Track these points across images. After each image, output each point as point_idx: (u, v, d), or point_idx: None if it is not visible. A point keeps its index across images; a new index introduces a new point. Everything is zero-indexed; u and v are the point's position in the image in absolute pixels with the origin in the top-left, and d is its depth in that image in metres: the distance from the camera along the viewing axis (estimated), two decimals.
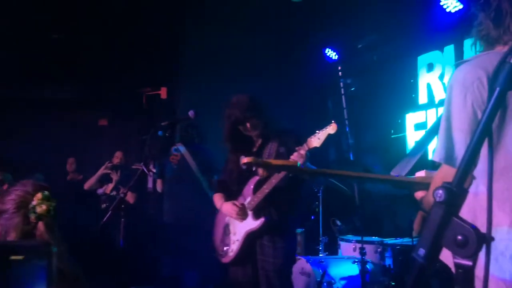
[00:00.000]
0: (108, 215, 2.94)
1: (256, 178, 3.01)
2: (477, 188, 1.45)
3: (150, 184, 5.70)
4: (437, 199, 0.89)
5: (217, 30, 5.83)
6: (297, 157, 2.73)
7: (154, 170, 4.85)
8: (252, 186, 3.03)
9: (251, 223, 2.97)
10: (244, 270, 3.05)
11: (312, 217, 5.30)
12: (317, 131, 2.79)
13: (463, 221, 0.89)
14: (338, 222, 4.82)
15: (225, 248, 3.08)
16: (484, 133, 0.86)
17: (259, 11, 5.55)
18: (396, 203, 5.29)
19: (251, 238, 2.98)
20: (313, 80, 6.47)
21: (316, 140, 2.74)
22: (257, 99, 3.15)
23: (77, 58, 5.74)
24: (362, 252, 3.95)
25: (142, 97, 6.11)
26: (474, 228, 0.88)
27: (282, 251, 2.97)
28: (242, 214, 2.97)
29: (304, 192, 3.35)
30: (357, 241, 4.23)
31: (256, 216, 2.96)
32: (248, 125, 3.04)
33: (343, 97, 6.22)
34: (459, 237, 0.88)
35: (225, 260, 3.08)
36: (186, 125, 4.56)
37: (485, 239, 0.89)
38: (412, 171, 2.08)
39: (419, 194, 1.80)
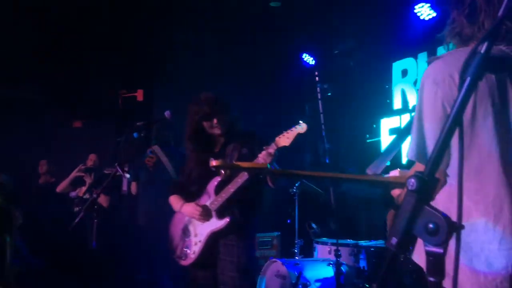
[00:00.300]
0: (80, 216, 2.87)
1: (218, 178, 2.98)
2: (451, 188, 1.46)
3: (125, 187, 5.62)
4: (409, 188, 0.90)
5: (195, 34, 5.82)
6: (265, 155, 2.71)
7: (128, 175, 4.78)
8: (214, 186, 3.00)
9: (215, 223, 2.94)
10: (205, 272, 3.00)
11: (288, 221, 5.32)
12: (284, 131, 2.78)
13: (434, 209, 0.90)
14: (314, 225, 4.84)
15: (185, 250, 3.03)
16: (455, 122, 0.88)
17: (237, 15, 5.57)
18: (371, 206, 5.36)
19: (214, 238, 2.95)
20: (290, 85, 6.52)
21: (285, 139, 2.73)
22: (224, 97, 3.14)
23: (52, 58, 5.63)
24: (337, 254, 3.98)
25: (117, 99, 6.03)
26: (445, 216, 0.89)
27: (245, 250, 2.95)
28: (205, 215, 2.93)
29: (265, 191, 3.25)
30: (332, 244, 4.27)
31: (220, 216, 2.93)
32: (215, 121, 3.00)
33: (319, 102, 6.26)
34: (430, 225, 0.89)
35: (185, 262, 3.02)
36: (162, 127, 4.51)
37: (456, 227, 0.91)
38: (387, 171, 2.11)
39: (396, 192, 1.82)
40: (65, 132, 6.31)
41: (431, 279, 0.92)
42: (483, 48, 0.86)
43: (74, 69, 5.76)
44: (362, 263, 4.15)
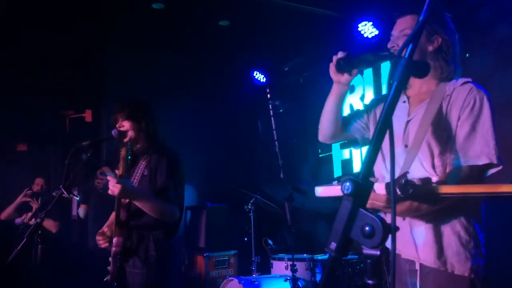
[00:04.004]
0: (23, 242, 2.71)
1: None
2: None
3: (74, 212, 5.42)
4: (345, 192, 0.92)
5: (144, 52, 5.77)
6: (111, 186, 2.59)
7: (76, 195, 4.62)
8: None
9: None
10: None
11: (245, 239, 5.29)
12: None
13: (370, 212, 0.92)
14: (270, 242, 4.84)
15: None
16: (385, 125, 0.91)
17: (186, 34, 5.57)
18: (326, 219, 5.43)
19: (116, 259, 2.77)
20: (243, 102, 6.57)
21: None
22: (146, 104, 2.98)
23: None
24: (293, 269, 3.99)
25: (64, 120, 5.83)
26: (381, 218, 0.91)
27: (140, 276, 2.73)
28: (101, 242, 2.81)
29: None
30: (289, 259, 4.27)
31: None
32: (118, 124, 2.86)
33: (272, 118, 6.35)
34: (367, 228, 0.91)
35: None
36: (114, 148, 4.40)
37: (390, 229, 0.92)
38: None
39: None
40: (8, 156, 6.02)
41: (370, 281, 0.93)
42: (406, 53, 0.90)
43: (17, 89, 5.56)
44: (319, 277, 4.17)
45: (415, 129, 1.79)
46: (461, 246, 1.71)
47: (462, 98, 1.74)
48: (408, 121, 1.86)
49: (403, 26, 1.89)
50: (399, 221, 1.80)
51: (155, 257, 2.75)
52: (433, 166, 1.73)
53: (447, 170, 1.72)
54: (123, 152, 2.73)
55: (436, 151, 1.74)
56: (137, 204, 2.71)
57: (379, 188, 1.48)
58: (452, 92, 1.78)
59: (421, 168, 1.74)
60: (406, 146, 1.80)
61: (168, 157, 2.83)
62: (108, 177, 2.67)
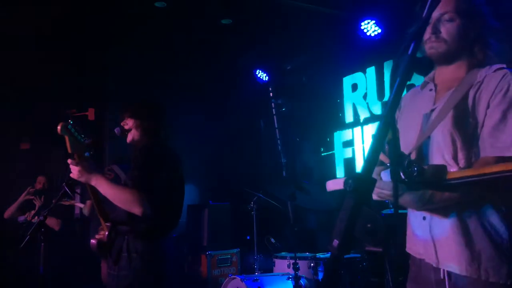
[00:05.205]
0: (26, 239, 2.72)
1: None
2: None
3: (77, 210, 5.43)
4: (347, 189, 0.91)
5: (146, 50, 5.77)
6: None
7: (79, 193, 4.63)
8: None
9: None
10: None
11: (248, 237, 5.29)
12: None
13: (372, 209, 0.91)
14: (273, 240, 4.84)
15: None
16: (388, 122, 0.90)
17: (188, 33, 5.57)
18: (329, 218, 5.42)
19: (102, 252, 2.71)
20: (245, 101, 6.57)
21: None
22: (152, 104, 2.93)
23: None
24: (296, 267, 3.98)
25: (67, 119, 5.82)
26: (382, 216, 0.91)
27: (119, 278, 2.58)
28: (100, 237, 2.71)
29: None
30: (291, 258, 4.26)
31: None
32: (122, 123, 2.81)
33: (274, 117, 6.34)
34: (369, 225, 0.91)
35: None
36: (117, 146, 4.41)
37: (393, 227, 0.92)
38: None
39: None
40: (12, 154, 6.04)
41: (372, 279, 0.92)
42: (410, 50, 0.89)
43: (19, 88, 5.56)
44: (321, 275, 4.16)
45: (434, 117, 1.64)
46: (494, 249, 1.51)
47: (493, 85, 1.57)
48: (432, 110, 1.69)
49: (445, 9, 1.64)
50: (419, 220, 1.66)
51: (126, 258, 2.54)
52: (456, 159, 1.57)
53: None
54: (59, 128, 2.48)
55: (459, 143, 1.57)
56: (100, 189, 2.54)
57: (385, 175, 1.37)
58: (484, 79, 1.61)
59: (442, 161, 1.59)
60: (429, 137, 1.64)
61: (149, 149, 2.67)
62: (68, 160, 2.55)
